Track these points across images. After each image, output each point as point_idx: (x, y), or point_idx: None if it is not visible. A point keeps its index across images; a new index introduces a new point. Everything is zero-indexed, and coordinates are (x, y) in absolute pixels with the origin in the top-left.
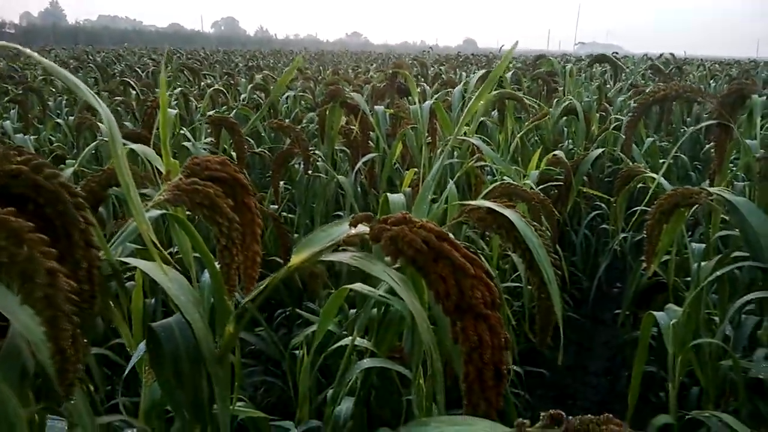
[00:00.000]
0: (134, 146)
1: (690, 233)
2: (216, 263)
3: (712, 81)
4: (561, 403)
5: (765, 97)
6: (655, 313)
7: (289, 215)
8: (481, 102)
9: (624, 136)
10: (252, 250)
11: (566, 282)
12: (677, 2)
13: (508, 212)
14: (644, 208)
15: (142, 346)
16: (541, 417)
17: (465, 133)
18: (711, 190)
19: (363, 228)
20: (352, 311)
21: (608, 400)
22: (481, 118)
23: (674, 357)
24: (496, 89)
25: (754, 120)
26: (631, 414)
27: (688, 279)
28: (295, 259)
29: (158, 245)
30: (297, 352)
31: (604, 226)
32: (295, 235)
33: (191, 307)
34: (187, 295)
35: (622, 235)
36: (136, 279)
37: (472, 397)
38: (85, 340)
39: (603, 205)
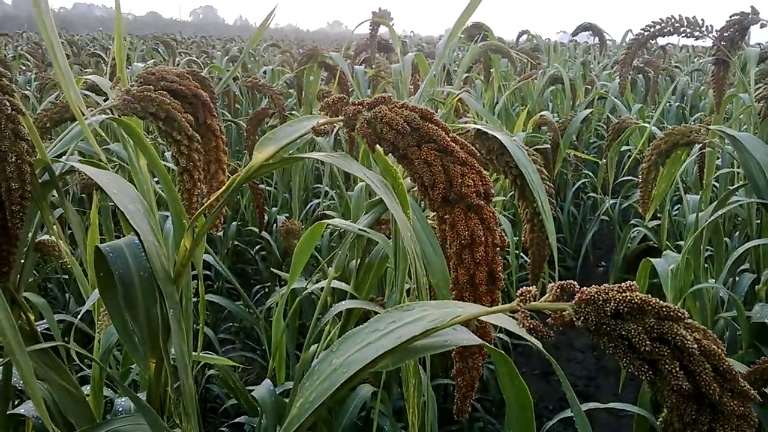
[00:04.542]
0: (90, 77)
1: (677, 206)
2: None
3: (696, 58)
4: (546, 378)
5: (758, 49)
6: (652, 259)
7: (267, 188)
8: (460, 34)
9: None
10: (217, 179)
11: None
12: None
13: (498, 134)
14: (630, 177)
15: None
16: (548, 289)
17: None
18: (711, 127)
19: (334, 118)
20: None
21: (594, 375)
22: (465, 75)
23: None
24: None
25: (748, 72)
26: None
27: (680, 243)
28: (258, 156)
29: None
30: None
31: (591, 194)
32: (273, 209)
33: (140, 216)
34: (136, 203)
35: (610, 201)
36: (92, 209)
37: None
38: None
39: (590, 174)
